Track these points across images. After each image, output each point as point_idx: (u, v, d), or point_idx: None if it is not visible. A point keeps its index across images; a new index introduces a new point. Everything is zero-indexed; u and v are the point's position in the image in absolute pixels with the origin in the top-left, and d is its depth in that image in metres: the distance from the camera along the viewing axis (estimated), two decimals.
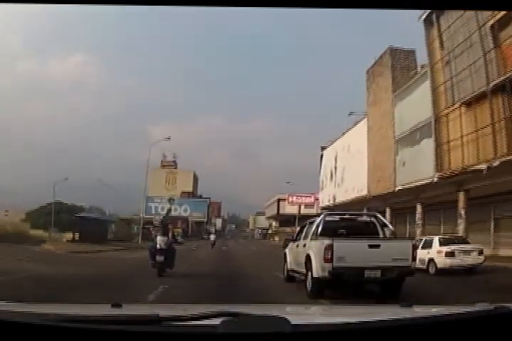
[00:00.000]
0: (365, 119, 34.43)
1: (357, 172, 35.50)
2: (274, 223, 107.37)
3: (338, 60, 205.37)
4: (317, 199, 78.90)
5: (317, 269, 8.37)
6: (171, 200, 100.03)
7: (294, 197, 76.69)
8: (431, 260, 14.79)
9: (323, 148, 50.13)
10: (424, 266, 14.51)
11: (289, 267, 11.06)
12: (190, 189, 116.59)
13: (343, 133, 41.65)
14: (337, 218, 10.66)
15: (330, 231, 9.36)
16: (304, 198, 75.10)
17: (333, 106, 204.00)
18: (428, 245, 15.38)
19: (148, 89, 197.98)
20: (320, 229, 9.41)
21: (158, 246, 12.14)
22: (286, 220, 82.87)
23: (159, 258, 11.90)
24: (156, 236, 12.65)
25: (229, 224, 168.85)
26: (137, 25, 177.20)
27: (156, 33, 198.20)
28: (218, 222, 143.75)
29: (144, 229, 63.69)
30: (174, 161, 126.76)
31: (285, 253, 11.62)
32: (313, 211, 76.87)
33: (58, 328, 1.25)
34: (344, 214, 11.25)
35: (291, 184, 69.93)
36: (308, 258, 8.88)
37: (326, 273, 8.17)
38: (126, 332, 1.26)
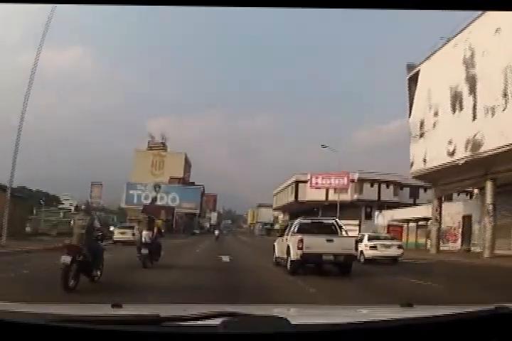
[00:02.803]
0: None
1: None
2: (281, 216, 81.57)
3: (338, 59, 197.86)
4: (352, 181, 52.39)
5: (293, 254, 12.18)
6: (156, 187, 73.89)
7: (320, 178, 51.12)
8: (361, 252, 16.97)
9: (410, 68, 24.63)
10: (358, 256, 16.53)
11: (276, 255, 14.87)
12: (180, 174, 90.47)
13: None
14: (309, 221, 14.44)
15: (303, 230, 13.22)
16: (333, 179, 49.44)
17: (332, 103, 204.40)
18: (361, 240, 17.54)
19: (146, 82, 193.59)
20: (296, 228, 13.41)
21: (143, 239, 12.66)
22: (302, 212, 56.17)
23: (144, 251, 12.35)
24: (141, 231, 13.10)
25: (224, 219, 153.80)
26: (137, 19, 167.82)
27: (156, 27, 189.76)
28: (213, 216, 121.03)
29: (66, 213, 40.70)
30: (163, 143, 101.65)
31: (274, 246, 15.49)
32: (346, 197, 49.67)
33: (58, 328, 1.24)
34: (314, 219, 15.96)
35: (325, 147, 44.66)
36: (288, 247, 12.69)
37: (299, 257, 12.03)
38: (127, 332, 1.25)
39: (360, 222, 51.13)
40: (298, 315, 2.08)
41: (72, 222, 8.70)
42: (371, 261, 17.45)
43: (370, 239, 18.72)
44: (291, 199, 61.18)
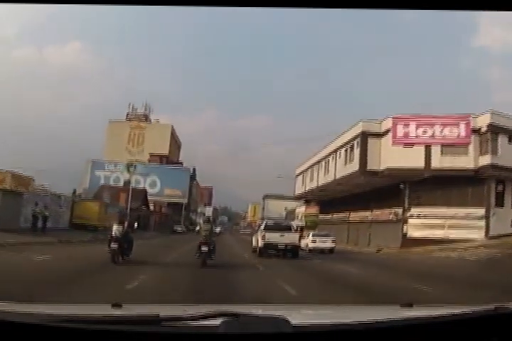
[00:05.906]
0: None
1: None
2: (302, 208, 55.21)
3: (338, 59, 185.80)
4: (477, 132, 25.02)
5: (260, 244, 19.47)
6: (130, 167, 52.63)
7: (413, 126, 23.65)
8: (306, 244, 26.68)
9: None
10: (305, 248, 26.10)
11: (253, 245, 21.74)
12: (165, 151, 63.55)
13: None
14: (273, 222, 21.78)
15: (268, 228, 20.09)
16: (439, 127, 21.85)
17: (330, 104, 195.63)
18: (307, 236, 28.32)
19: (146, 80, 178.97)
20: (263, 227, 20.41)
21: (113, 234, 12.73)
22: (367, 194, 28.83)
23: (113, 245, 12.32)
24: (112, 225, 13.64)
25: (220, 216, 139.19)
26: (136, 16, 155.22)
27: (155, 25, 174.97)
28: (209, 211, 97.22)
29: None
30: (146, 115, 79.78)
31: (251, 239, 23.24)
32: (466, 162, 18.91)
33: (59, 328, 1.23)
34: (277, 221, 25.43)
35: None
36: (257, 239, 20.46)
37: (263, 245, 19.18)
38: (127, 332, 1.24)
39: (487, 212, 26.40)
40: (298, 315, 2.01)
41: (198, 227, 16.34)
42: (313, 250, 25.36)
43: (313, 235, 27.35)
44: (352, 169, 33.22)
